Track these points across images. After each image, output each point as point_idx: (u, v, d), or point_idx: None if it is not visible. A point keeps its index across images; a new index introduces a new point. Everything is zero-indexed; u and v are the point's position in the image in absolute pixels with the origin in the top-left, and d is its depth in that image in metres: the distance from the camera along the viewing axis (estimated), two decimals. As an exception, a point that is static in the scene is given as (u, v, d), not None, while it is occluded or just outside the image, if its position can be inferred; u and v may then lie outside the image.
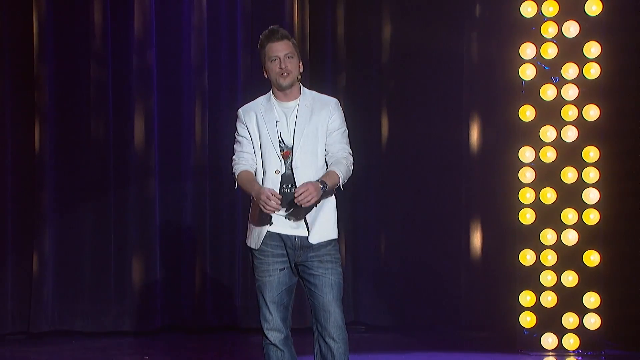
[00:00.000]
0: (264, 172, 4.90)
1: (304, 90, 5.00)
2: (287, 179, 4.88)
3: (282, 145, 4.90)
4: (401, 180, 8.64)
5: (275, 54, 4.87)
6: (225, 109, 8.39)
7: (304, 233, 4.89)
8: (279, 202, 4.72)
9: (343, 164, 4.92)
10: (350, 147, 5.02)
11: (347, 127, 5.03)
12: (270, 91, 4.99)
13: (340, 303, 4.88)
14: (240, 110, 5.05)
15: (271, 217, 4.84)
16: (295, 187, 4.81)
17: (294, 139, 4.89)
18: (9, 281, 8.28)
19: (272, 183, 4.87)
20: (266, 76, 4.96)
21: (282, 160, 4.88)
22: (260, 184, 4.89)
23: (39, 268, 8.30)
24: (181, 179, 8.52)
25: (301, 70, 4.96)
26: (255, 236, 4.92)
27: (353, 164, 5.00)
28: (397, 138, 8.67)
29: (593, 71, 7.42)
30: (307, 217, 4.86)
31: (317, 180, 4.79)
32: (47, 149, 8.30)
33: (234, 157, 5.02)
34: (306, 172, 4.86)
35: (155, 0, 8.41)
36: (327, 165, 4.95)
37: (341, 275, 4.94)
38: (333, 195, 4.96)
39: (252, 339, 7.97)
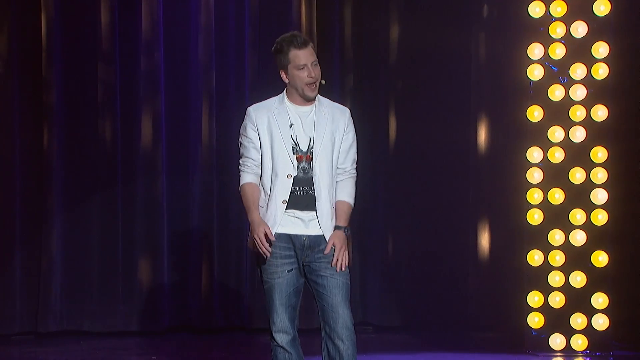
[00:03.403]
0: (275, 175, 4.87)
1: (318, 96, 4.96)
2: (299, 181, 4.87)
3: (297, 149, 4.88)
4: (409, 180, 8.63)
5: (304, 62, 4.80)
6: (232, 109, 8.39)
7: (313, 232, 4.88)
8: (270, 250, 4.80)
9: (351, 185, 4.99)
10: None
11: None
12: (284, 93, 4.94)
13: (348, 304, 4.86)
14: (251, 108, 4.97)
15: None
16: (311, 189, 4.84)
17: (313, 145, 4.87)
18: (17, 281, 8.29)
19: (284, 186, 4.85)
20: (285, 80, 4.89)
21: (296, 163, 4.87)
22: (270, 187, 4.89)
23: (47, 268, 8.31)
24: (188, 179, 8.53)
25: None
26: None
27: (357, 176, 5.06)
28: (404, 138, 8.66)
29: (601, 71, 7.41)
30: (324, 228, 4.86)
31: (341, 229, 4.87)
32: (55, 149, 8.31)
33: (240, 160, 4.99)
34: (324, 179, 4.87)
35: (163, 1, 8.42)
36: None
37: (349, 276, 4.92)
38: None
39: (260, 339, 7.97)
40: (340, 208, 4.94)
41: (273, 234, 4.85)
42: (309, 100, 4.89)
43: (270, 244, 4.81)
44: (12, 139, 8.26)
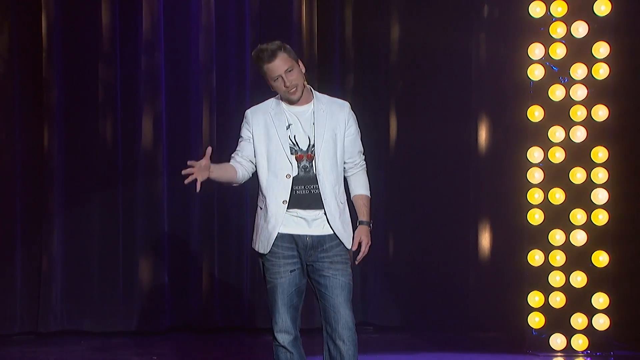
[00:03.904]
0: (274, 176, 4.89)
1: (316, 93, 4.99)
2: (301, 181, 4.88)
3: (296, 148, 4.89)
4: (409, 180, 8.63)
5: (276, 73, 4.84)
6: (233, 109, 8.39)
7: (316, 232, 4.90)
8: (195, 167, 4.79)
9: (364, 177, 5.10)
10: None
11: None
12: (279, 95, 4.99)
13: (350, 304, 4.88)
14: (248, 111, 5.03)
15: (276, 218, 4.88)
16: (314, 188, 4.84)
17: (314, 143, 4.89)
18: (17, 281, 8.29)
19: (283, 187, 4.87)
20: (272, 89, 4.95)
21: (295, 163, 4.88)
22: (269, 188, 4.90)
23: (48, 268, 8.32)
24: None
25: (304, 71, 4.95)
26: (264, 240, 4.91)
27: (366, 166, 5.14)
28: (405, 138, 8.66)
29: (602, 71, 7.41)
30: (334, 225, 4.89)
31: (364, 223, 4.97)
32: (55, 150, 8.32)
33: (232, 154, 5.03)
34: (328, 177, 4.89)
35: (164, 1, 8.42)
36: (344, 171, 5.03)
37: (351, 276, 4.94)
38: (346, 203, 5.01)
39: (261, 339, 7.98)
40: (361, 203, 5.04)
41: (275, 234, 4.87)
42: (292, 103, 4.91)
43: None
44: (13, 139, 8.26)
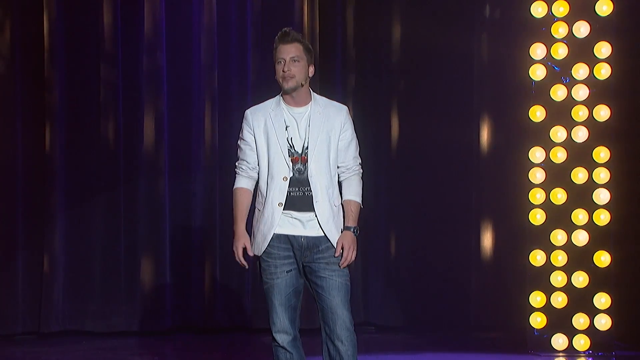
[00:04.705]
0: (272, 177, 4.89)
1: (314, 95, 4.99)
2: (295, 183, 4.88)
3: (292, 151, 4.89)
4: (411, 180, 8.63)
5: (281, 56, 4.88)
6: (234, 109, 8.40)
7: (311, 233, 4.89)
8: (246, 266, 4.95)
9: (356, 183, 5.03)
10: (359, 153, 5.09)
11: (355, 131, 5.06)
12: (280, 95, 4.98)
13: (348, 305, 4.87)
14: (248, 111, 5.02)
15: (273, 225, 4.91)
16: (307, 190, 4.84)
17: (308, 146, 4.88)
18: (19, 281, 8.31)
19: (280, 189, 4.87)
20: (275, 75, 4.96)
21: (291, 165, 4.88)
22: (267, 189, 4.90)
23: (50, 268, 8.32)
24: (191, 179, 8.53)
25: (311, 74, 4.94)
26: (260, 242, 4.91)
27: (362, 172, 5.09)
28: (407, 138, 8.66)
29: (603, 71, 7.41)
30: (326, 228, 4.88)
31: (349, 229, 4.92)
32: (57, 150, 8.32)
33: (236, 163, 5.04)
34: (320, 180, 4.89)
35: (165, 1, 8.42)
36: (337, 176, 4.99)
37: (348, 277, 4.93)
38: (341, 206, 5.00)
39: (262, 340, 7.98)
40: (348, 208, 4.98)
41: (271, 235, 4.88)
42: (287, 93, 4.91)
43: (248, 261, 4.93)
44: (14, 139, 8.27)
